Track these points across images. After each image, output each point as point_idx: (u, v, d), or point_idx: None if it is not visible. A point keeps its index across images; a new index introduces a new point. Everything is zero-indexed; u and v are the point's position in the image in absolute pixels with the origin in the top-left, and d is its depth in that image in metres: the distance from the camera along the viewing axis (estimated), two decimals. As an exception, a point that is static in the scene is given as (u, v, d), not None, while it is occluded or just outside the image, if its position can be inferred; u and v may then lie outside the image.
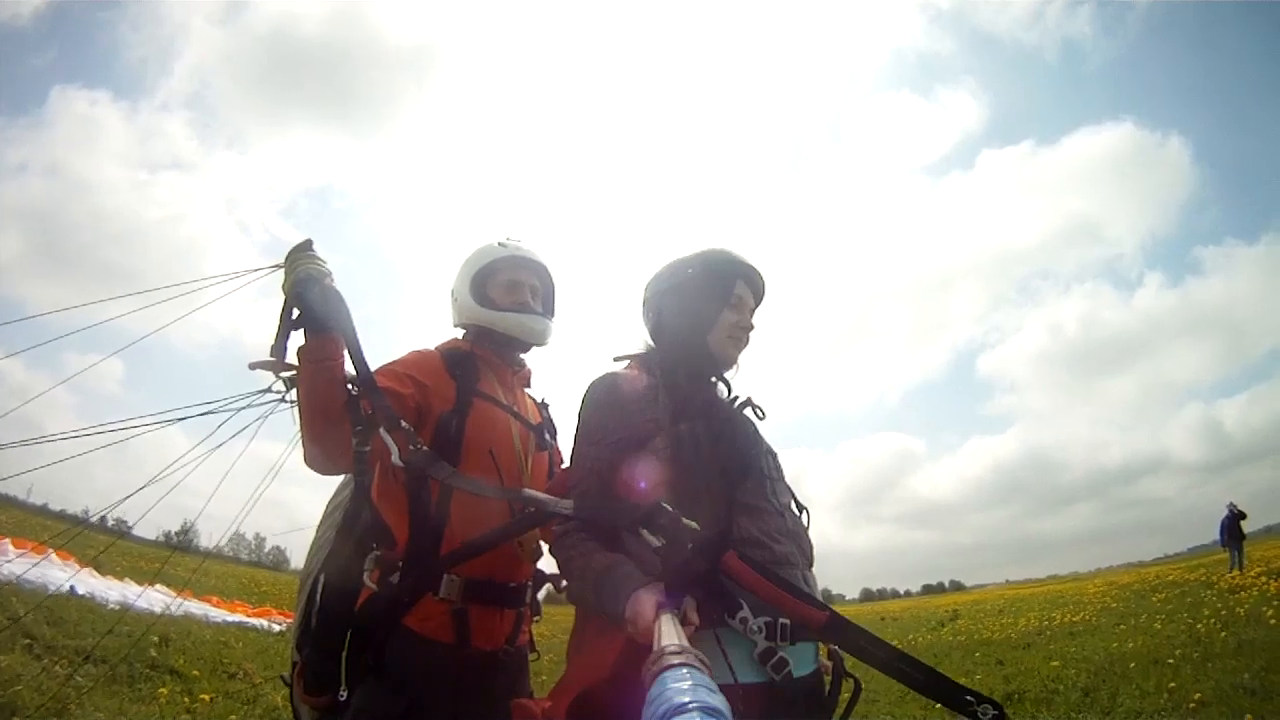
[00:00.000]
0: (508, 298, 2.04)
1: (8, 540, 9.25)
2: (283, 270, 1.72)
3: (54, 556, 7.81)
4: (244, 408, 1.57)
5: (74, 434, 1.63)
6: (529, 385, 2.15)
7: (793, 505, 1.67)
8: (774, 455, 1.71)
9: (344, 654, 1.59)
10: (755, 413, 1.78)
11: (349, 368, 1.70)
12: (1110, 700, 5.53)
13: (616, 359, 1.75)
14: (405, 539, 1.68)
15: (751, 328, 1.72)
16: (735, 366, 1.74)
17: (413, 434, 1.61)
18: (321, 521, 1.94)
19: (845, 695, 1.58)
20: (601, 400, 1.61)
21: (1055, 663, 7.65)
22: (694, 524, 1.32)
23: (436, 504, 1.69)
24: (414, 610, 1.66)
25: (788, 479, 1.72)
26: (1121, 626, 10.31)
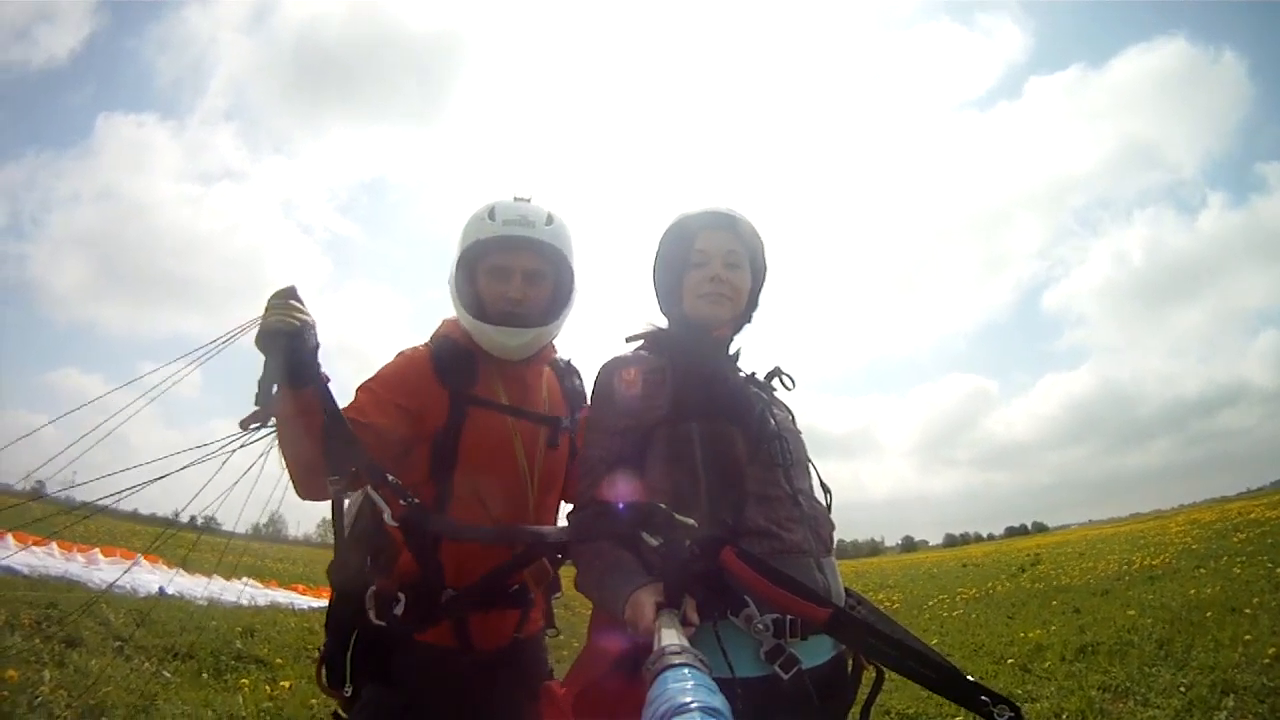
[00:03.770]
0: (494, 289, 1.78)
1: (97, 550, 9.81)
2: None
3: (143, 561, 8.24)
4: (239, 447, 1.58)
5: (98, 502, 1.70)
6: (548, 361, 1.95)
7: (812, 487, 1.63)
8: (792, 436, 1.65)
9: (349, 655, 1.60)
10: (783, 383, 1.76)
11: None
12: (1185, 653, 5.36)
13: (629, 339, 1.74)
14: (404, 566, 1.63)
15: (724, 277, 1.64)
16: (727, 328, 1.70)
17: (400, 487, 1.55)
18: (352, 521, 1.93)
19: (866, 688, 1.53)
20: (607, 388, 1.61)
21: (1132, 611, 7.43)
22: (691, 521, 1.31)
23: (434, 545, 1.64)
24: None
25: (810, 458, 1.67)
26: (1201, 570, 9.98)
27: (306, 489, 1.61)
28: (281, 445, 1.59)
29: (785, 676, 1.28)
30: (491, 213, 1.80)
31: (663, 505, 1.32)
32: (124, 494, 1.67)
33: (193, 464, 1.60)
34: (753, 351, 1.77)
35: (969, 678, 1.25)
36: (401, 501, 1.54)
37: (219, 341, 1.62)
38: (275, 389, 1.56)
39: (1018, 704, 1.22)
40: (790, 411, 1.75)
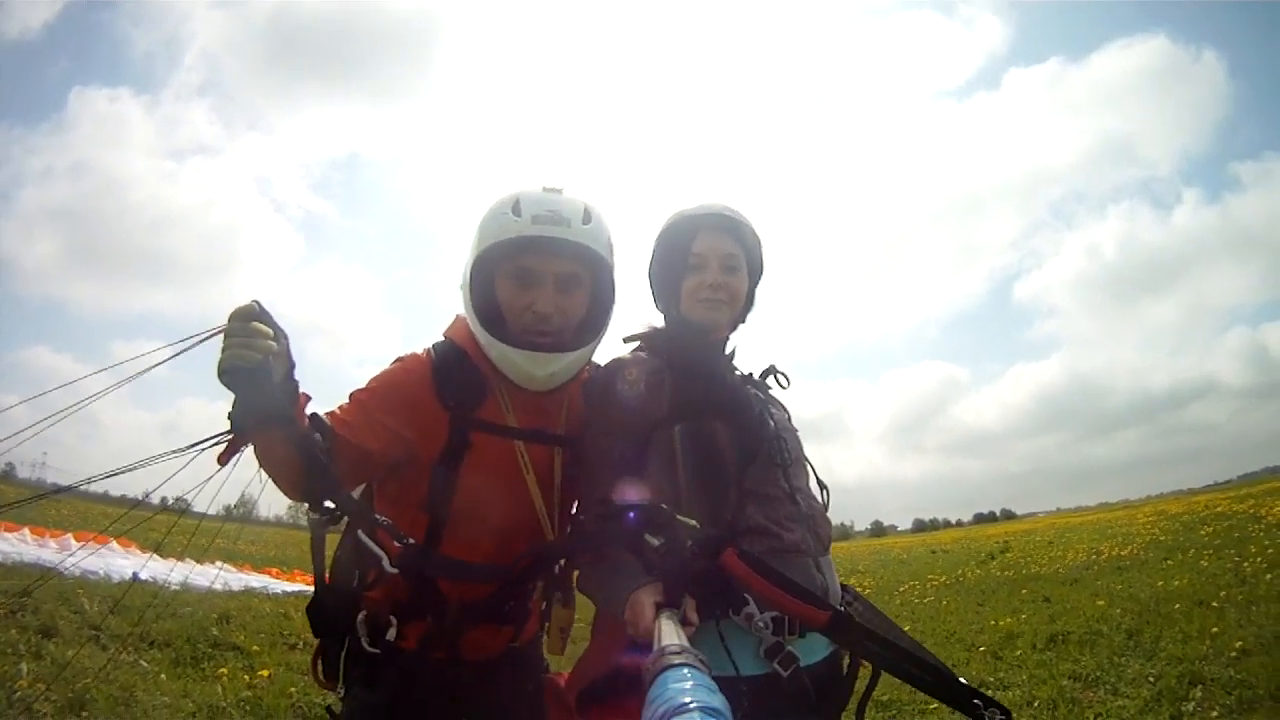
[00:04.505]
0: (518, 299, 1.54)
1: (70, 535, 9.69)
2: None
3: (115, 544, 8.11)
4: (207, 449, 1.44)
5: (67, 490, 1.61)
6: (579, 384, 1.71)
7: (811, 484, 1.66)
8: (790, 435, 1.67)
9: (343, 654, 1.53)
10: (778, 381, 1.77)
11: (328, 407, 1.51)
12: (1153, 644, 5.48)
13: (626, 339, 1.72)
14: (395, 582, 1.49)
15: (721, 282, 1.63)
16: (724, 330, 1.70)
17: (394, 529, 1.42)
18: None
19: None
20: (607, 390, 1.60)
21: (1101, 601, 7.58)
22: (692, 521, 1.32)
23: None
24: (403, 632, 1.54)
25: (808, 456, 1.69)
26: (1169, 561, 10.18)
27: (293, 499, 1.50)
28: (261, 465, 1.41)
29: (784, 674, 1.30)
30: (516, 206, 1.52)
31: (664, 506, 1.33)
32: (95, 479, 1.58)
33: (165, 460, 1.51)
34: (737, 338, 1.77)
35: (962, 681, 1.28)
36: (397, 544, 1.41)
37: (166, 358, 1.44)
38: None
39: (993, 693, 1.24)
40: (786, 410, 1.77)
